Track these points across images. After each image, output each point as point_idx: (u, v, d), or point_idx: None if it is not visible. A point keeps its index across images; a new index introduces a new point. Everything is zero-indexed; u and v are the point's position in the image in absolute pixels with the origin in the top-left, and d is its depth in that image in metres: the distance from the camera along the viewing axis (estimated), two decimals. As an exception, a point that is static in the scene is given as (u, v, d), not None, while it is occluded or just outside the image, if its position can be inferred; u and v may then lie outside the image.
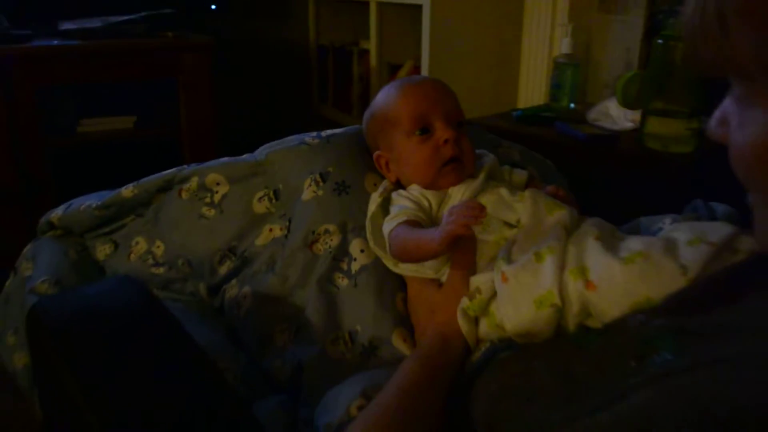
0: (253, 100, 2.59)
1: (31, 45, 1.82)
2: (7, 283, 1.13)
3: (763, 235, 0.58)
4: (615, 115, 1.66)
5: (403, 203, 0.90)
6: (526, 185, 0.97)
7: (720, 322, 0.58)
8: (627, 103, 1.50)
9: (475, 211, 0.75)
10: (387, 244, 0.89)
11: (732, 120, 0.55)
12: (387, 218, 0.90)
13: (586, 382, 0.62)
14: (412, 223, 0.86)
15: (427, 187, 0.92)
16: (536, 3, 2.00)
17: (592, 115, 1.70)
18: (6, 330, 1.07)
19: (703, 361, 0.51)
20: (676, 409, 0.46)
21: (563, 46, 1.83)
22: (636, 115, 1.59)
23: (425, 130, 0.91)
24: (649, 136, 1.48)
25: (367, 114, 1.00)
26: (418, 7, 1.94)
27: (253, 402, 0.86)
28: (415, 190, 0.92)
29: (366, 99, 2.35)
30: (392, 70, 2.25)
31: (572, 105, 1.82)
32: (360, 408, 0.73)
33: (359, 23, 2.40)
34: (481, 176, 0.91)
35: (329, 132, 1.06)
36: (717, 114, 0.58)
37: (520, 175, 0.99)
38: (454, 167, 0.90)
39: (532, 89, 2.06)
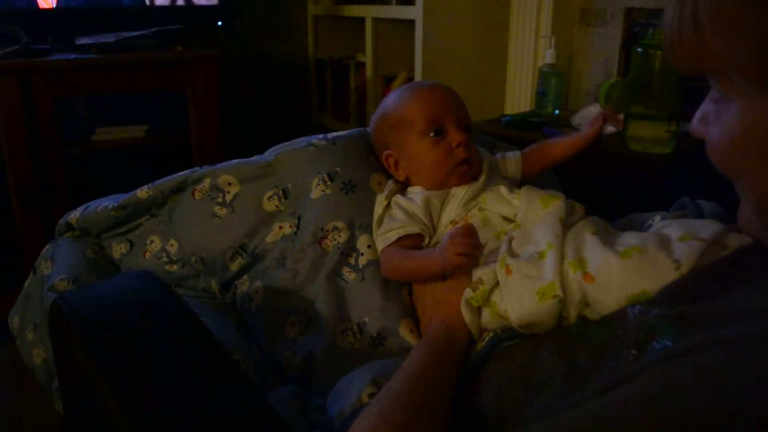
0: (257, 109, 2.57)
1: (51, 59, 1.81)
2: (27, 282, 1.10)
3: (745, 218, 0.59)
4: (597, 119, 1.64)
5: (396, 216, 0.88)
6: (523, 166, 0.98)
7: (714, 309, 0.56)
8: (609, 108, 1.48)
9: (473, 241, 0.76)
10: (381, 260, 0.88)
11: (710, 118, 0.55)
12: (380, 231, 0.88)
13: (589, 370, 0.60)
14: (406, 241, 0.85)
15: (435, 187, 0.90)
16: (521, 17, 1.99)
17: (576, 119, 1.68)
18: (26, 326, 1.04)
19: (703, 344, 0.49)
20: (696, 388, 0.43)
21: (547, 56, 1.81)
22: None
23: (439, 132, 0.90)
24: (631, 138, 1.46)
25: (377, 115, 0.98)
26: (412, 22, 1.94)
27: (266, 392, 0.83)
28: (417, 194, 0.90)
29: (362, 109, 2.33)
30: (387, 82, 2.23)
31: (557, 111, 1.80)
32: (371, 395, 0.70)
33: (355, 38, 2.39)
34: (483, 177, 0.91)
35: (335, 134, 1.04)
36: (698, 114, 0.58)
37: (514, 161, 0.98)
38: (465, 169, 0.90)
39: (518, 97, 2.04)
